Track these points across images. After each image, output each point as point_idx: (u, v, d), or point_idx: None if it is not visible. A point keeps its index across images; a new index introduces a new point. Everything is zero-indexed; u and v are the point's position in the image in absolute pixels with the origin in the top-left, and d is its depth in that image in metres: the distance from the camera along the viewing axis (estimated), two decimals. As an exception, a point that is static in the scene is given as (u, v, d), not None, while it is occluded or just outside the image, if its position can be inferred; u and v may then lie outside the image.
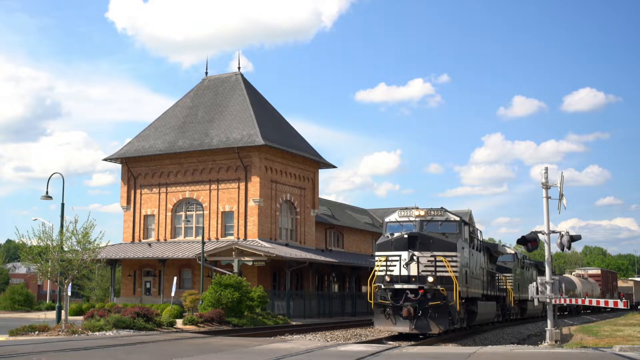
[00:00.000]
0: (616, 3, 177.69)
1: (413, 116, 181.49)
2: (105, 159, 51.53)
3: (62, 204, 32.13)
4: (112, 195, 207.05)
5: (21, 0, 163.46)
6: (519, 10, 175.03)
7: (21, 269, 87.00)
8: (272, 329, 31.65)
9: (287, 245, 46.11)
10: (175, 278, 36.70)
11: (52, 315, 36.73)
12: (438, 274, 22.96)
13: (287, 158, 48.00)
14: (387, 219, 25.53)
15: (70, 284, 26.77)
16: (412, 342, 22.35)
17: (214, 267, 41.06)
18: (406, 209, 25.17)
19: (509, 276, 35.51)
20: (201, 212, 46.68)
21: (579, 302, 26.67)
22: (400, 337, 24.16)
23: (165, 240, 47.47)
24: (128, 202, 49.33)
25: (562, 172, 24.64)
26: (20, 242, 30.99)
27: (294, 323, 36.40)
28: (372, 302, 23.97)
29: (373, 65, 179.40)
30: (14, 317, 41.60)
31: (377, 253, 24.44)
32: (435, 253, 23.15)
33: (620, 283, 78.38)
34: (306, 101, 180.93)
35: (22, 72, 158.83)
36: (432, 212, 24.73)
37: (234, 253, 39.93)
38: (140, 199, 49.01)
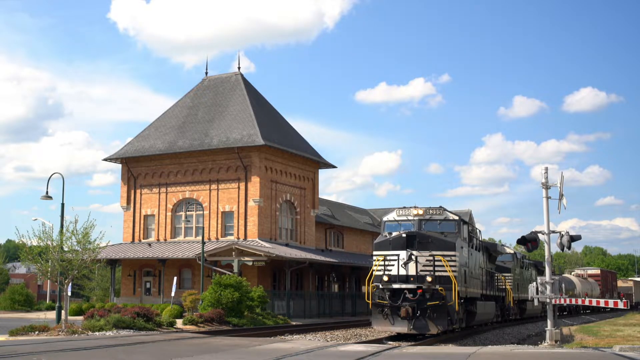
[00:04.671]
0: (616, 3, 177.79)
1: (414, 116, 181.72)
2: (105, 159, 51.57)
3: (62, 204, 32.20)
4: (112, 196, 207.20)
5: (22, 0, 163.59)
6: (519, 10, 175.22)
7: (21, 269, 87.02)
8: (272, 329, 31.67)
9: (287, 245, 46.14)
10: (175, 278, 36.76)
11: (52, 315, 36.76)
12: (437, 273, 22.89)
13: (287, 158, 48.02)
14: (385, 218, 25.41)
15: (70, 284, 26.79)
16: (412, 342, 22.33)
17: (214, 267, 41.09)
18: (404, 208, 25.02)
19: (508, 276, 35.49)
20: (201, 212, 46.71)
21: (579, 302, 26.63)
22: (399, 337, 24.12)
23: (165, 240, 47.49)
24: (128, 202, 49.36)
25: (562, 172, 24.64)
26: (20, 242, 31.01)
27: (294, 323, 36.43)
28: (370, 302, 23.93)
29: (374, 65, 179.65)
30: (14, 317, 41.62)
31: (375, 252, 24.33)
32: (434, 252, 23.07)
33: (620, 283, 78.40)
34: (306, 101, 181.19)
35: (24, 72, 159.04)
36: (431, 211, 24.64)
37: (234, 253, 39.95)
38: (140, 199, 49.03)
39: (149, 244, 46.97)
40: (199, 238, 42.28)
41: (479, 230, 30.09)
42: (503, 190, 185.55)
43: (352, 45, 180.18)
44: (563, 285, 46.52)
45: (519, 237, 23.79)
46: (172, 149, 47.55)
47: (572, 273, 67.79)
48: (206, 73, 53.53)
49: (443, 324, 22.86)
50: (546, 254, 23.34)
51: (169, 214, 47.87)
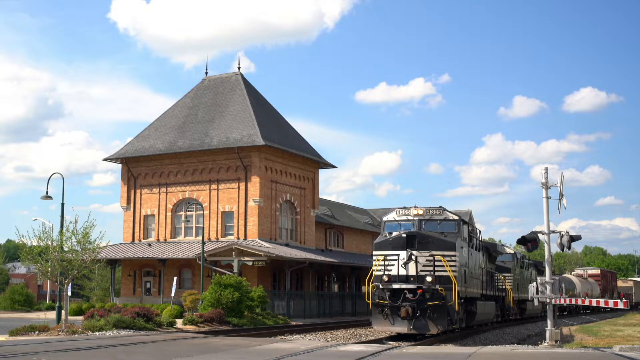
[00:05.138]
0: (616, 3, 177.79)
1: (414, 116, 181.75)
2: (105, 159, 51.57)
3: (62, 204, 32.19)
4: (112, 196, 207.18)
5: (22, 0, 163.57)
6: (519, 10, 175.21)
7: (21, 269, 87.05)
8: (272, 329, 31.68)
9: (287, 245, 46.13)
10: (175, 278, 36.74)
11: (52, 315, 36.77)
12: (437, 273, 22.90)
13: (287, 158, 48.01)
14: (385, 218, 25.41)
15: (70, 284, 26.80)
16: (412, 342, 22.34)
17: (214, 267, 41.09)
18: (404, 208, 25.01)
19: (508, 276, 35.49)
20: (201, 212, 46.71)
21: (579, 302, 26.62)
22: (399, 337, 24.13)
23: (165, 240, 47.49)
24: (128, 202, 49.35)
25: (562, 172, 24.63)
26: (20, 242, 31.01)
27: (294, 323, 36.43)
28: (370, 302, 23.93)
29: (374, 65, 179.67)
30: (14, 317, 41.62)
31: (375, 252, 24.34)
32: (434, 252, 23.07)
33: (620, 283, 78.36)
34: (306, 101, 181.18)
35: (24, 72, 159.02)
36: (431, 211, 24.64)
37: (234, 253, 39.95)
38: (140, 199, 49.03)
39: (149, 244, 46.97)
40: (199, 238, 42.28)
41: (479, 230, 30.11)
42: (503, 190, 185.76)
43: (352, 45, 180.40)
44: (563, 285, 46.51)
45: (519, 237, 23.78)
46: (172, 149, 47.56)
47: (572, 273, 67.79)
48: (206, 73, 53.58)
49: (443, 324, 22.86)
50: (546, 254, 23.34)
51: (169, 214, 47.88)
